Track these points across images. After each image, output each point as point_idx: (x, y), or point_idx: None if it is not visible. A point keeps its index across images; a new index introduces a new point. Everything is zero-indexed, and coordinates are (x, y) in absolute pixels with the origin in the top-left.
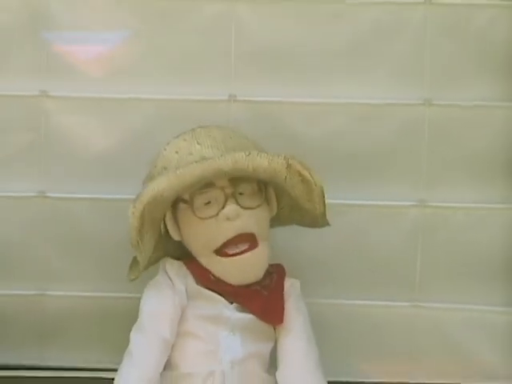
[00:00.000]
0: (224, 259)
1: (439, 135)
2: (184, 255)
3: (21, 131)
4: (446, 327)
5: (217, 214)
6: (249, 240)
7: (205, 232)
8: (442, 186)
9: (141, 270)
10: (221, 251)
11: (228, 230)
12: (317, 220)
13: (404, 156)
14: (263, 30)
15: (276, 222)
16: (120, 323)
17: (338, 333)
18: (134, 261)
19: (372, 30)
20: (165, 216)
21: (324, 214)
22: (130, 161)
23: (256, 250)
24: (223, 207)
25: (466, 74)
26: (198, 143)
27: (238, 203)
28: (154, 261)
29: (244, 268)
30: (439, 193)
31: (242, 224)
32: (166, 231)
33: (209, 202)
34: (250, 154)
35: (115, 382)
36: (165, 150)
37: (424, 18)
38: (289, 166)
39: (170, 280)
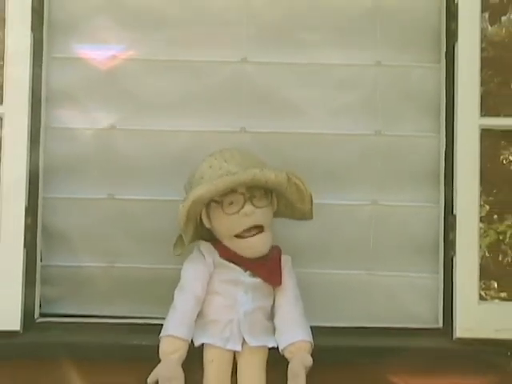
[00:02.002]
0: (241, 240)
1: (386, 156)
2: (212, 238)
3: (96, 152)
4: (391, 288)
5: (238, 212)
6: (259, 229)
7: (229, 223)
8: (388, 191)
9: (185, 247)
10: (239, 235)
11: (246, 223)
12: (304, 215)
13: (362, 171)
14: (264, 82)
15: (273, 215)
16: (166, 285)
17: (316, 293)
18: (177, 241)
19: (338, 82)
20: (201, 212)
21: (311, 211)
22: (173, 172)
23: (262, 234)
24: (243, 207)
25: (404, 114)
26: (225, 161)
27: (253, 204)
28: (192, 241)
29: (254, 246)
30: (386, 195)
31: (255, 219)
32: (201, 222)
33: (232, 203)
34: (262, 170)
35: (164, 327)
36: (201, 164)
37: (375, 75)
38: (289, 179)
39: (203, 255)
